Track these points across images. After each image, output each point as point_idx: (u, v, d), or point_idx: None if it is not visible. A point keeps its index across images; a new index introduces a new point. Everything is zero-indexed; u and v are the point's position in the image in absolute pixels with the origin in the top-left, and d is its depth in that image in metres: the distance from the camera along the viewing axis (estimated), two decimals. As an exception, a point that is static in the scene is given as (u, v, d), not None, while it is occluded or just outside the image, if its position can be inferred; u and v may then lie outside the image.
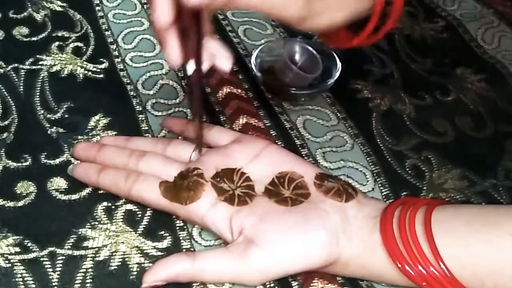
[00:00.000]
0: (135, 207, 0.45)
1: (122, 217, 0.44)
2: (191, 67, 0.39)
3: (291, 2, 0.38)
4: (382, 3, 0.42)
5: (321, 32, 0.45)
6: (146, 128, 0.51)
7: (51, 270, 0.41)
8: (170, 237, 0.43)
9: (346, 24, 0.43)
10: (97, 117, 0.52)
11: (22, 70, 0.56)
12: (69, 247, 0.42)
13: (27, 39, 0.59)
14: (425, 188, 0.48)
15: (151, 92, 0.55)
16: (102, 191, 0.46)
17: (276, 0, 0.38)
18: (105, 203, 0.45)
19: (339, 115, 0.54)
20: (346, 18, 0.42)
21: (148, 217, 0.45)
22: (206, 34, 0.40)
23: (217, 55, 0.41)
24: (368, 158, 0.50)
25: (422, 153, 0.51)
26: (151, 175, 0.44)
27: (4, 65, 0.56)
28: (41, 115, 0.52)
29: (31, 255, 0.42)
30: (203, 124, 0.40)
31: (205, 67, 0.40)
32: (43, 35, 0.60)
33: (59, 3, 0.64)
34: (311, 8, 0.39)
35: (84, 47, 0.59)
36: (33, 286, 0.40)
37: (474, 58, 0.60)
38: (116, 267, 0.41)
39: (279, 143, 0.50)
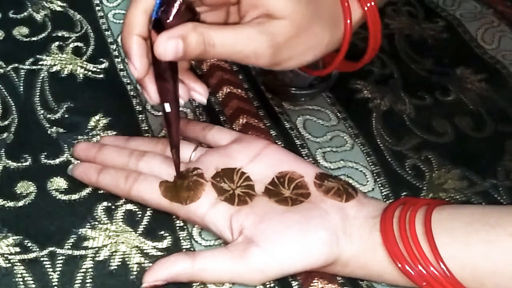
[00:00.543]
0: (135, 207, 0.45)
1: (122, 217, 0.44)
2: (168, 107, 0.42)
3: (259, 53, 0.40)
4: (348, 38, 0.44)
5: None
6: (146, 128, 0.51)
7: (51, 270, 0.41)
8: (170, 237, 0.43)
9: (317, 60, 0.45)
10: (97, 117, 0.52)
11: (22, 70, 0.56)
12: (69, 247, 0.42)
13: (27, 39, 0.59)
14: (425, 188, 0.48)
15: (151, 92, 0.55)
16: (102, 191, 0.46)
17: (246, 52, 0.40)
18: (105, 203, 0.45)
19: (339, 115, 0.54)
20: (314, 58, 0.44)
21: (148, 217, 0.45)
22: (181, 69, 0.43)
23: (193, 88, 0.44)
24: (368, 158, 0.50)
25: (422, 153, 0.51)
26: (151, 175, 0.44)
27: (4, 65, 0.56)
28: (41, 115, 0.52)
29: (31, 255, 0.42)
30: (179, 156, 0.44)
31: (182, 102, 0.43)
32: (43, 35, 0.60)
33: (59, 3, 0.64)
34: (279, 57, 0.41)
35: (84, 47, 0.59)
36: (33, 286, 0.40)
37: (474, 58, 0.60)
38: (116, 267, 0.41)
39: (279, 143, 0.50)
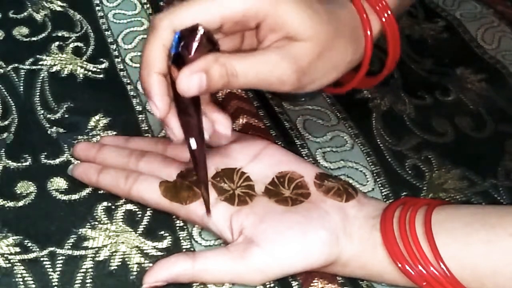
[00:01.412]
0: (135, 207, 0.45)
1: (122, 217, 0.44)
2: (193, 143, 0.41)
3: (284, 80, 0.40)
4: (370, 51, 0.44)
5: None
6: (146, 128, 0.51)
7: (51, 270, 0.41)
8: (170, 237, 0.43)
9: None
10: (97, 117, 0.52)
11: (22, 70, 0.56)
12: (69, 247, 0.42)
13: (27, 39, 0.59)
14: (425, 188, 0.48)
15: (151, 92, 0.55)
16: (102, 191, 0.46)
17: (271, 79, 0.39)
18: (105, 203, 0.45)
19: (339, 115, 0.54)
20: (338, 76, 0.43)
21: (148, 217, 0.45)
22: (203, 103, 0.41)
23: (216, 122, 0.42)
24: (368, 158, 0.50)
25: (422, 153, 0.51)
26: (151, 175, 0.44)
27: (4, 65, 0.56)
28: (41, 115, 0.52)
29: (31, 255, 0.42)
30: (208, 191, 0.42)
31: (206, 137, 0.42)
32: (43, 35, 0.60)
33: (59, 3, 0.64)
34: (303, 80, 0.41)
35: (84, 47, 0.59)
36: (33, 286, 0.40)
37: (474, 58, 0.60)
38: (116, 267, 0.41)
39: (279, 143, 0.50)
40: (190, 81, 0.37)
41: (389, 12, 0.44)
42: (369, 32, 0.43)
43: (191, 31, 0.38)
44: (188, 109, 0.40)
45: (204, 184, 0.42)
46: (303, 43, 0.40)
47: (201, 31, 0.38)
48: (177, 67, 0.38)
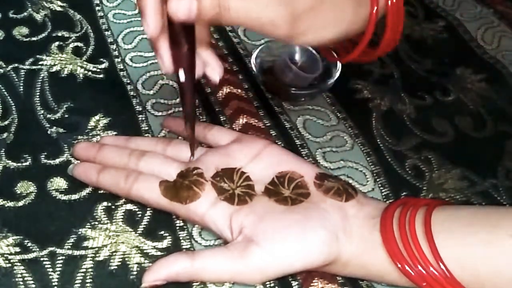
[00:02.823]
0: (135, 207, 0.45)
1: (122, 217, 0.44)
2: (182, 75, 0.40)
3: (276, 22, 0.39)
4: (373, 24, 0.43)
5: (317, 47, 0.46)
6: (146, 128, 0.51)
7: (51, 270, 0.41)
8: (170, 237, 0.43)
9: (338, 41, 0.43)
10: (97, 117, 0.52)
11: (22, 70, 0.56)
12: (69, 247, 0.42)
13: (27, 39, 0.59)
14: (425, 188, 0.48)
15: (151, 92, 0.55)
16: (102, 191, 0.46)
17: (263, 20, 0.39)
18: (105, 203, 0.45)
19: (339, 115, 0.54)
20: (334, 36, 0.42)
21: (148, 217, 0.45)
22: (200, 42, 0.41)
23: (208, 65, 0.42)
24: (368, 158, 0.50)
25: (422, 153, 0.51)
26: (151, 175, 0.44)
27: (4, 65, 0.56)
28: (41, 115, 0.52)
29: (31, 255, 0.42)
30: (194, 129, 0.41)
31: (196, 75, 0.41)
32: (43, 35, 0.60)
33: (59, 3, 0.64)
34: (297, 27, 0.40)
35: (84, 47, 0.59)
36: (33, 286, 0.40)
37: (474, 58, 0.60)
38: (116, 267, 0.41)
39: (279, 143, 0.50)
40: (180, 4, 0.37)
41: None
42: None
43: None
44: (179, 38, 0.39)
45: (190, 121, 0.41)
46: None
47: None
48: None
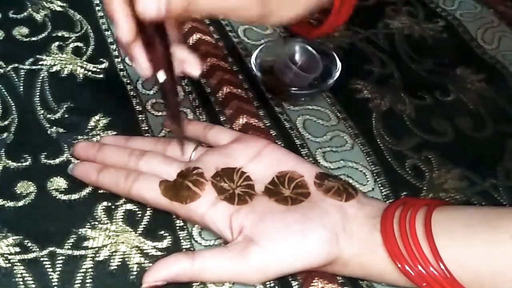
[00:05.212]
0: (135, 207, 0.45)
1: (122, 217, 0.44)
2: (162, 76, 0.40)
3: (247, 3, 0.39)
4: None
5: (288, 24, 0.46)
6: (146, 128, 0.51)
7: (51, 270, 0.41)
8: (170, 237, 0.43)
9: (310, 15, 0.43)
10: (97, 117, 0.52)
11: (22, 70, 0.56)
12: (69, 247, 0.42)
13: (27, 39, 0.59)
14: (425, 188, 0.48)
15: (151, 92, 0.55)
16: (102, 191, 0.46)
17: (233, 4, 0.39)
18: (105, 203, 0.45)
19: (339, 115, 0.54)
20: (305, 11, 0.42)
21: (148, 217, 0.45)
22: (172, 41, 0.41)
23: (186, 62, 0.42)
24: (368, 158, 0.50)
25: (422, 153, 0.51)
26: (151, 175, 0.44)
27: (4, 65, 0.56)
28: (41, 115, 0.52)
29: (31, 255, 0.42)
30: (182, 127, 0.41)
31: (175, 74, 0.41)
32: (43, 35, 0.60)
33: (59, 3, 0.64)
34: (268, 5, 0.40)
35: (84, 47, 0.59)
36: (33, 286, 0.40)
37: (474, 58, 0.60)
38: (116, 267, 0.41)
39: (279, 143, 0.50)
40: (148, 0, 0.36)
41: None
42: None
43: None
44: (153, 39, 0.39)
45: (176, 120, 0.40)
46: None
47: None
48: None
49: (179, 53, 0.42)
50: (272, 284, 0.41)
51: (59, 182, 0.47)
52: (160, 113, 0.53)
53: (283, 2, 0.41)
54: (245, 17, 0.40)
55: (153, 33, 0.38)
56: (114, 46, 0.59)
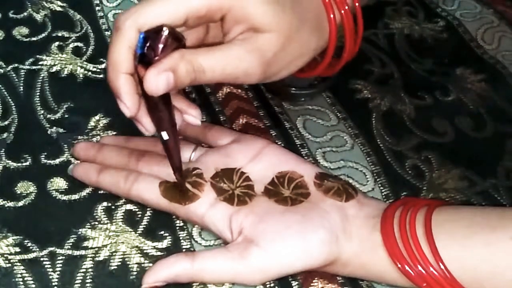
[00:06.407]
0: (135, 207, 0.45)
1: (122, 217, 0.44)
2: (165, 135, 0.41)
3: (250, 72, 0.40)
4: (334, 43, 0.44)
5: None
6: (146, 128, 0.51)
7: (51, 270, 0.41)
8: (170, 237, 0.43)
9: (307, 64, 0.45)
10: (97, 117, 0.52)
11: (22, 70, 0.56)
12: (69, 247, 0.42)
13: (27, 39, 0.59)
14: (425, 188, 0.48)
15: (151, 92, 0.55)
16: (102, 191, 0.46)
17: (238, 73, 0.40)
18: (105, 203, 0.45)
19: (339, 115, 0.54)
20: (304, 64, 0.44)
21: (148, 217, 0.45)
22: (173, 95, 0.41)
23: (186, 112, 0.43)
24: (368, 158, 0.50)
25: (422, 153, 0.51)
26: (151, 175, 0.44)
27: (4, 65, 0.56)
28: (41, 115, 0.52)
29: (31, 255, 0.42)
30: (183, 176, 0.43)
31: (177, 127, 0.42)
32: (43, 35, 0.60)
33: (59, 3, 0.64)
34: (269, 72, 0.41)
35: (84, 47, 0.59)
36: (33, 286, 0.40)
37: (474, 58, 0.60)
38: (116, 267, 0.41)
39: (279, 143, 0.50)
40: (158, 80, 0.37)
41: (346, 7, 0.44)
42: (332, 16, 0.43)
43: (156, 32, 0.38)
44: (158, 104, 0.40)
45: (178, 171, 0.42)
46: (268, 34, 0.40)
47: (165, 32, 0.37)
48: (144, 65, 0.38)
49: (176, 103, 0.43)
50: (272, 284, 0.41)
51: (59, 182, 0.47)
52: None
53: (282, 65, 0.42)
54: (247, 82, 0.41)
55: (158, 100, 0.39)
56: (114, 46, 0.59)
